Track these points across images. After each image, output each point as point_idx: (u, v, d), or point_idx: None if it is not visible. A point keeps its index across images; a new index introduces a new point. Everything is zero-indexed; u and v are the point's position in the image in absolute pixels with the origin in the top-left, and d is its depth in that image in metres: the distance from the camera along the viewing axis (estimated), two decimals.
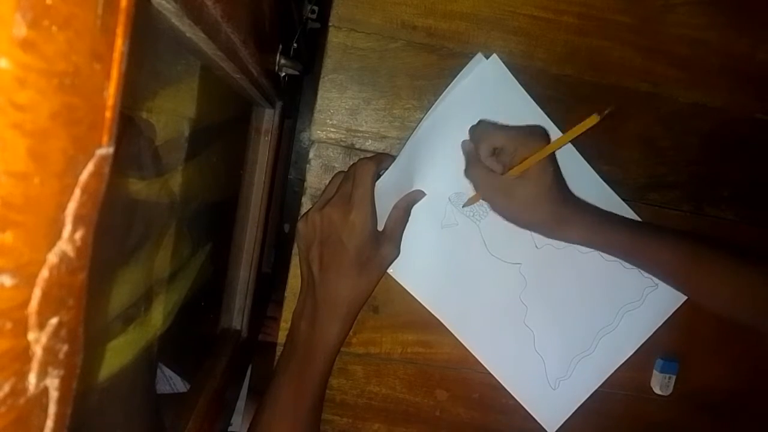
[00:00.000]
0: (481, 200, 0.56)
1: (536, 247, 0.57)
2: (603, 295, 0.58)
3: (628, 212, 0.57)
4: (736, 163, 0.60)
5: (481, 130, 0.52)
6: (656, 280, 0.58)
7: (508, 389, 0.58)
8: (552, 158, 0.50)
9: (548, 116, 0.55)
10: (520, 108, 0.54)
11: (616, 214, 0.55)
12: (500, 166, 0.50)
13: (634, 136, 0.58)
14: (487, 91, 0.54)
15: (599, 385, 0.59)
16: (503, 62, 0.54)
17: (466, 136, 0.54)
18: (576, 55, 0.56)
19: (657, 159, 0.59)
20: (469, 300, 0.57)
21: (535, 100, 0.54)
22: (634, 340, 0.59)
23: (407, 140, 0.53)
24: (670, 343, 0.60)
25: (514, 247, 0.57)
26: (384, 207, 0.52)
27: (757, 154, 0.60)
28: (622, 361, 0.59)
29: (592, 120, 0.46)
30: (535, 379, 0.58)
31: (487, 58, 0.54)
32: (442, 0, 0.55)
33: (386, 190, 0.52)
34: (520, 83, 0.54)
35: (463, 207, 0.56)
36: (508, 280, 0.57)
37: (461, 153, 0.55)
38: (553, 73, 0.56)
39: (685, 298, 0.58)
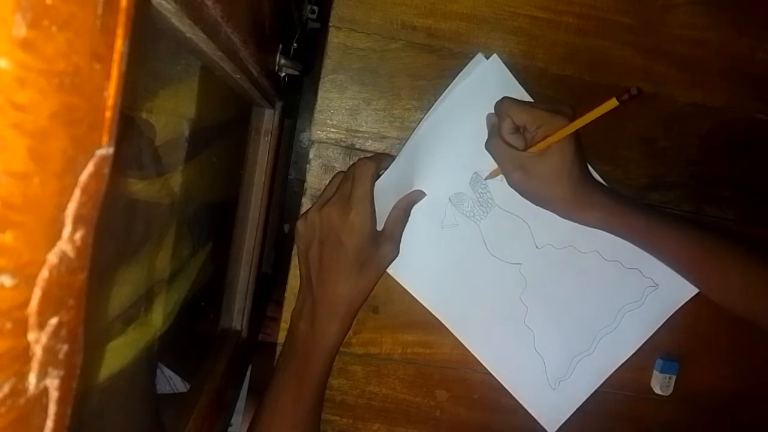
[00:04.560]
0: (484, 198, 0.56)
1: (536, 247, 0.57)
2: (603, 295, 0.58)
3: None
4: (736, 163, 0.60)
5: (505, 105, 0.51)
6: (657, 280, 0.58)
7: (508, 389, 0.58)
8: (574, 137, 0.50)
9: None
10: None
11: (634, 199, 0.54)
12: (522, 142, 0.50)
13: (634, 136, 0.58)
14: (488, 91, 0.54)
15: (599, 385, 0.59)
16: (504, 62, 0.54)
17: (467, 136, 0.54)
18: (576, 56, 0.56)
19: (657, 159, 0.59)
20: (470, 300, 0.57)
21: (535, 100, 0.54)
22: (634, 340, 0.59)
23: (407, 140, 0.53)
24: (670, 343, 0.60)
25: (515, 248, 0.57)
26: (384, 207, 0.52)
27: (757, 154, 0.60)
28: (622, 362, 0.59)
29: (612, 104, 0.45)
30: (535, 379, 0.58)
31: (488, 58, 0.54)
32: (442, 0, 0.55)
33: (386, 190, 0.52)
34: (520, 83, 0.54)
35: (485, 179, 0.55)
36: (509, 280, 0.57)
37: (462, 153, 0.55)
38: (553, 73, 0.56)
39: (687, 299, 0.58)
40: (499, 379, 0.58)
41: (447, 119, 0.53)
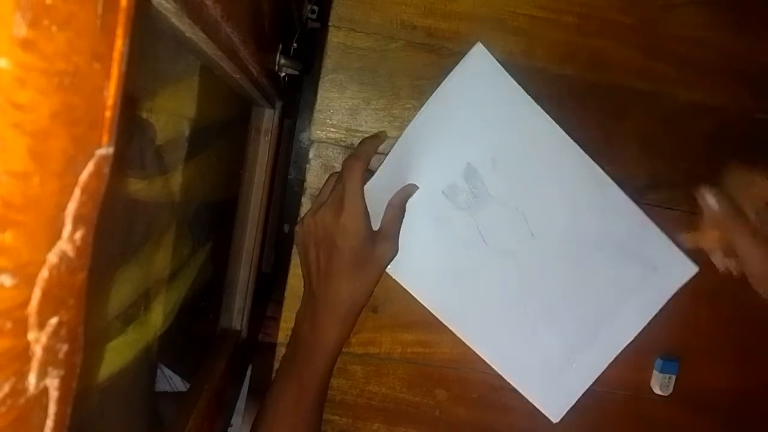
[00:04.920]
0: (478, 190, 0.56)
1: (533, 235, 0.57)
2: (601, 281, 0.58)
3: (631, 207, 0.57)
4: (736, 163, 0.60)
5: (738, 178, 0.43)
6: (655, 263, 0.57)
7: (510, 382, 0.58)
8: None
9: (540, 106, 0.54)
10: (509, 96, 0.54)
11: None
12: None
13: (634, 135, 0.58)
14: (476, 82, 0.54)
15: (603, 369, 0.59)
16: (490, 52, 0.53)
17: (458, 129, 0.54)
18: (576, 55, 0.56)
19: (657, 159, 0.59)
20: (468, 292, 0.57)
21: (534, 100, 0.54)
22: (636, 323, 0.58)
23: (398, 137, 0.53)
24: (670, 343, 0.60)
25: (511, 237, 0.57)
26: (379, 205, 0.53)
27: (757, 154, 0.60)
28: (625, 344, 0.58)
29: None
30: (538, 368, 0.58)
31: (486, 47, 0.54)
32: (441, 0, 0.55)
33: (380, 188, 0.52)
34: (519, 83, 0.54)
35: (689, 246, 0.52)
36: (506, 270, 0.57)
37: (453, 146, 0.54)
38: (553, 72, 0.56)
39: (686, 279, 0.57)
40: (501, 373, 0.58)
41: (437, 114, 0.54)
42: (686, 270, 0.58)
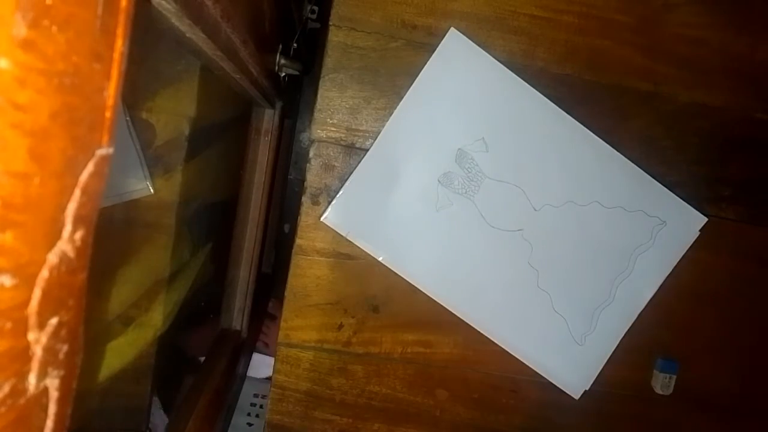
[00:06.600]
0: (473, 173, 0.56)
1: (535, 209, 0.57)
2: (612, 242, 0.58)
3: (629, 167, 0.57)
4: (736, 163, 0.60)
5: None
6: (663, 217, 0.58)
7: (528, 363, 0.58)
8: None
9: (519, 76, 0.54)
10: (490, 74, 0.54)
11: None
12: None
13: (635, 135, 0.58)
14: (454, 66, 0.54)
15: (624, 334, 0.58)
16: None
17: (444, 115, 0.54)
18: (576, 55, 0.56)
19: (657, 159, 0.59)
20: (479, 278, 0.57)
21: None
22: (652, 281, 0.59)
23: (380, 132, 0.53)
24: (670, 343, 0.60)
25: (513, 215, 0.57)
26: (366, 197, 0.53)
27: (757, 154, 0.60)
28: (644, 304, 0.58)
29: None
30: (560, 340, 0.58)
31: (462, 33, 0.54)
32: None
33: (366, 180, 0.52)
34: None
35: None
36: (514, 248, 0.57)
37: (442, 133, 0.55)
38: (553, 72, 0.56)
39: (698, 229, 0.58)
40: (520, 355, 0.57)
41: (419, 104, 0.54)
42: (695, 221, 0.58)
